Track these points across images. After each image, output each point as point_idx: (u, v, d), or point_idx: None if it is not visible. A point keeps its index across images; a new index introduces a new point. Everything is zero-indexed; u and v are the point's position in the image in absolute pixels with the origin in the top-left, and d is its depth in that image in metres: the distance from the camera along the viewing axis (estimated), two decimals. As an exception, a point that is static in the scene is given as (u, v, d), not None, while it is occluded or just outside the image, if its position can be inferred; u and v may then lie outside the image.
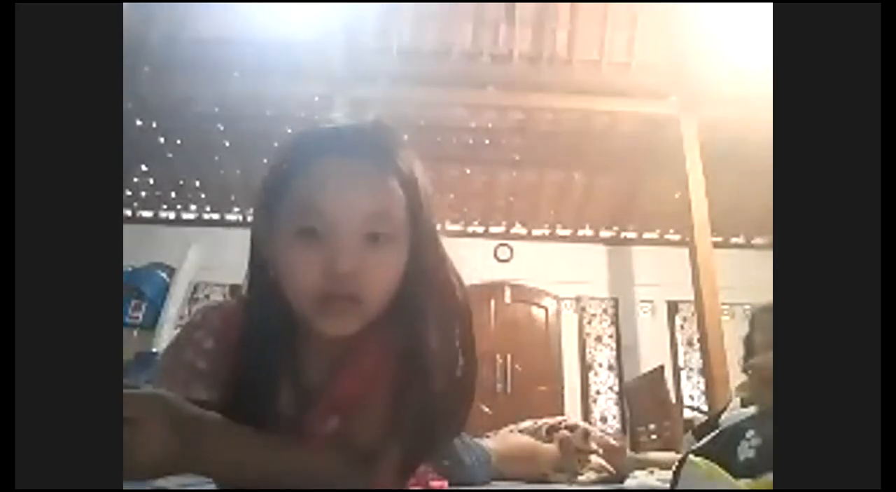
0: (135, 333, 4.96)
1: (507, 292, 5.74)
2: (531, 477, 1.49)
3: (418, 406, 0.62)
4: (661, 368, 3.56)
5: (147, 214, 5.82)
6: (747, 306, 5.04)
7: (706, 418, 2.38)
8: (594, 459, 1.55)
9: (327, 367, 0.67)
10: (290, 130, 4.95)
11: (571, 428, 1.63)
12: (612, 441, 1.64)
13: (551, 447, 1.56)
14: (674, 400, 4.09)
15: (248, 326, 0.66)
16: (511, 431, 1.75)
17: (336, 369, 0.67)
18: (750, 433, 0.71)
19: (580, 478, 1.51)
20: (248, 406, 0.61)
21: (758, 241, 5.94)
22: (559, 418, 1.73)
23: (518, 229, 6.05)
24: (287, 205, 0.61)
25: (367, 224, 0.60)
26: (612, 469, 1.53)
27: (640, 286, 5.84)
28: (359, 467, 0.60)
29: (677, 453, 1.74)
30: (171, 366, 0.66)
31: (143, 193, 5.71)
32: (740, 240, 5.95)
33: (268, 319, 0.65)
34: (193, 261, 5.49)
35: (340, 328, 0.61)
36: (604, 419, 5.48)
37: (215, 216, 5.85)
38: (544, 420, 1.72)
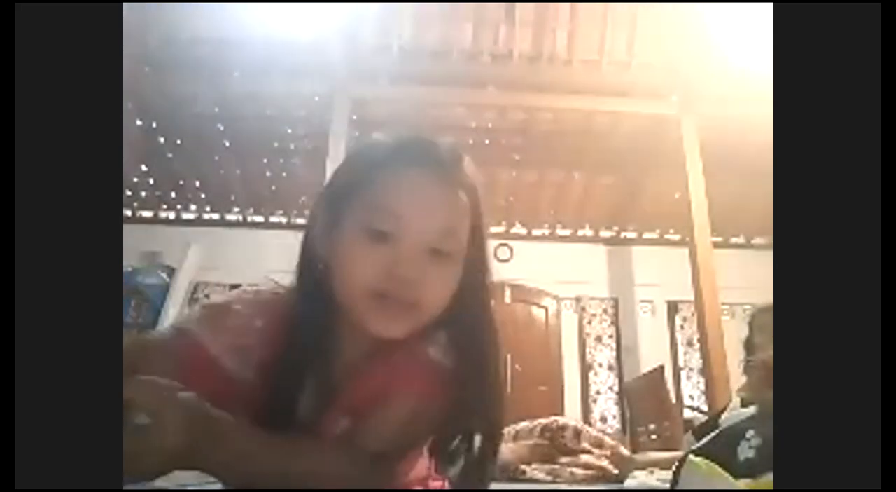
0: (135, 333, 4.96)
1: (507, 292, 5.73)
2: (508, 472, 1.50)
3: (460, 425, 0.64)
4: (661, 368, 3.56)
5: (147, 214, 5.81)
6: (747, 306, 5.03)
7: (706, 418, 2.38)
8: (585, 458, 1.56)
9: (356, 367, 0.67)
10: (288, 131, 4.96)
11: (562, 428, 1.64)
12: (606, 438, 1.65)
13: (514, 446, 1.57)
14: (674, 400, 4.09)
15: (292, 321, 0.66)
16: (509, 432, 1.76)
17: (365, 369, 0.67)
18: (750, 433, 0.71)
19: (578, 476, 1.51)
20: (273, 400, 0.62)
21: (758, 241, 5.94)
22: (553, 418, 1.74)
23: (518, 229, 6.05)
24: (361, 204, 0.63)
25: (437, 238, 0.62)
26: (602, 464, 1.54)
27: (640, 286, 5.83)
28: (379, 472, 0.61)
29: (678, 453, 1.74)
30: (218, 322, 0.64)
31: (143, 193, 5.71)
32: (740, 240, 5.95)
33: (312, 317, 0.65)
34: (193, 261, 5.49)
35: (390, 329, 0.62)
36: (604, 419, 5.48)
37: (215, 216, 5.85)
38: (538, 421, 1.73)
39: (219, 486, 0.64)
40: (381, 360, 0.67)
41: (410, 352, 0.65)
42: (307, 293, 0.66)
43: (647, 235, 6.06)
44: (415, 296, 0.61)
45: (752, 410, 1.18)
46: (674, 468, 0.69)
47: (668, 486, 0.74)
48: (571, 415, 5.10)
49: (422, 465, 0.74)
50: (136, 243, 5.17)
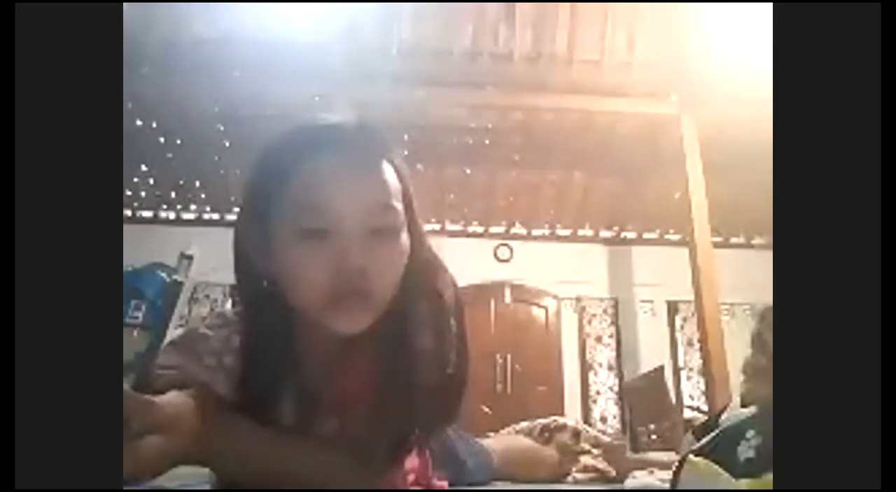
0: (135, 333, 4.95)
1: (507, 292, 5.73)
2: (530, 481, 1.49)
3: (407, 397, 0.62)
4: (661, 368, 3.57)
5: (147, 214, 5.81)
6: (747, 306, 5.04)
7: (706, 418, 2.39)
8: (585, 459, 1.55)
9: (330, 368, 0.67)
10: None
11: (560, 428, 1.63)
12: (606, 439, 1.64)
13: (552, 452, 1.55)
14: (674, 400, 4.10)
15: (247, 341, 0.65)
16: (509, 433, 1.76)
17: (339, 368, 0.67)
18: (750, 433, 0.71)
19: (577, 476, 1.51)
20: (256, 410, 0.61)
21: (758, 241, 5.94)
22: (552, 418, 1.73)
23: (518, 229, 6.05)
24: (285, 209, 0.60)
25: (372, 218, 0.60)
26: (603, 467, 1.53)
27: (640, 286, 5.84)
28: (354, 460, 0.61)
29: (677, 453, 1.74)
30: (194, 349, 0.65)
31: (143, 193, 5.71)
32: (740, 240, 5.95)
33: (267, 334, 0.64)
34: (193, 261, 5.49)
35: (354, 325, 0.60)
36: (604, 419, 5.48)
37: (215, 216, 5.85)
38: (538, 421, 1.72)
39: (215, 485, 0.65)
40: (352, 354, 0.66)
41: (374, 340, 0.64)
42: (256, 313, 0.65)
43: (647, 235, 6.06)
44: (368, 284, 0.59)
45: (752, 410, 1.18)
46: (674, 468, 0.69)
47: (668, 486, 0.74)
48: (571, 415, 5.10)
49: (413, 458, 0.74)
50: (136, 243, 5.17)
